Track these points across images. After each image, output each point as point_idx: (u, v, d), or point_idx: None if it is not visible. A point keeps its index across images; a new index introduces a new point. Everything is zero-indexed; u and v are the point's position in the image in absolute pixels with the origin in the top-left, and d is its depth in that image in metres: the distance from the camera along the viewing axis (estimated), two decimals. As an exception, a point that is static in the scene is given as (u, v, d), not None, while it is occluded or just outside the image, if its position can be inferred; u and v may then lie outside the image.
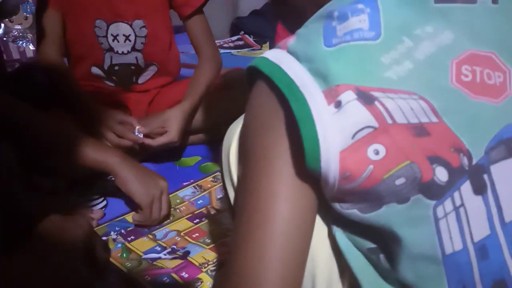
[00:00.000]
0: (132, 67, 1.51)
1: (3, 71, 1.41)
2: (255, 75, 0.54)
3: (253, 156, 0.54)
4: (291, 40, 0.53)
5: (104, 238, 1.12)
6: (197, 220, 1.21)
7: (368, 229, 0.54)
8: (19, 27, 2.20)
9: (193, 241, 1.12)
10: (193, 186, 1.35)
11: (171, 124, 1.39)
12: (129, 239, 1.13)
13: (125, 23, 1.46)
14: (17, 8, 2.18)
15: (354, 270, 0.56)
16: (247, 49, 2.40)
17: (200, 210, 1.25)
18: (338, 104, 0.49)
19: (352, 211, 0.53)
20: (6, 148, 0.90)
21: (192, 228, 1.18)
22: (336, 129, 0.49)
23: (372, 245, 0.55)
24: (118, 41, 1.47)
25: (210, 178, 1.39)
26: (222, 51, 2.36)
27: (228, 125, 1.56)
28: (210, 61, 1.55)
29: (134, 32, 1.47)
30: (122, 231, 1.16)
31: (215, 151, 1.55)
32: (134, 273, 1.01)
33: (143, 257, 1.07)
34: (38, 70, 1.56)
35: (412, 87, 0.50)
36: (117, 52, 1.48)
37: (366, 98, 0.49)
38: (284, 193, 0.52)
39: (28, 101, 1.42)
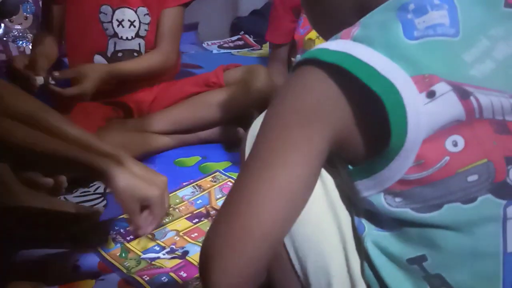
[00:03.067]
0: (135, 54, 1.52)
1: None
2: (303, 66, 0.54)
3: (284, 123, 0.53)
4: (355, 30, 0.53)
5: (103, 237, 1.13)
6: (196, 220, 1.21)
7: (415, 234, 0.53)
8: (19, 27, 2.20)
9: (192, 241, 1.12)
10: (193, 186, 1.35)
11: (87, 76, 1.37)
12: (128, 238, 1.13)
13: (131, 8, 1.48)
14: (17, 8, 2.18)
15: (391, 286, 0.55)
16: (247, 49, 2.40)
17: (199, 210, 1.25)
18: (432, 94, 0.49)
19: (404, 209, 0.53)
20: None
21: (191, 228, 1.18)
22: (426, 119, 0.49)
23: (415, 254, 0.54)
24: (123, 26, 1.48)
25: (209, 178, 1.38)
26: (222, 51, 2.37)
27: (226, 121, 1.56)
28: (162, 55, 1.52)
29: (139, 18, 1.49)
30: (121, 230, 1.16)
31: (215, 151, 1.54)
32: (133, 273, 1.01)
33: (142, 256, 1.07)
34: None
35: (498, 85, 0.51)
36: (121, 38, 1.49)
37: (461, 91, 0.49)
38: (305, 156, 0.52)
39: None
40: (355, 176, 0.55)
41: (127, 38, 1.50)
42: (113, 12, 1.47)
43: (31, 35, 2.17)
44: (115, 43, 1.50)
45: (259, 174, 0.51)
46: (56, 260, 1.06)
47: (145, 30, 1.51)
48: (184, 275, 1.01)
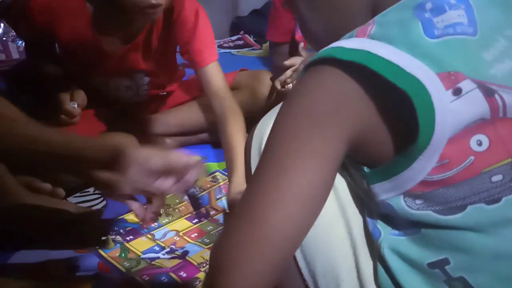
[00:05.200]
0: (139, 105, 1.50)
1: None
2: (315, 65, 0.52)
3: (298, 126, 0.50)
4: (371, 28, 0.52)
5: (103, 238, 1.13)
6: (196, 220, 1.21)
7: (436, 237, 0.52)
8: (19, 26, 2.20)
9: (192, 241, 1.13)
10: (193, 186, 1.35)
11: None
12: (127, 238, 1.13)
13: (125, 78, 1.41)
14: (17, 8, 2.18)
15: None
16: (247, 48, 2.39)
17: (199, 210, 1.25)
18: (458, 92, 0.48)
19: (426, 212, 0.51)
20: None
21: (191, 228, 1.18)
22: (452, 117, 0.48)
23: (436, 258, 0.53)
24: (119, 90, 1.43)
25: (209, 178, 1.39)
26: (222, 50, 2.36)
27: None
28: (235, 115, 1.33)
29: (136, 83, 1.42)
30: (121, 231, 1.16)
31: (215, 151, 1.54)
32: (132, 273, 1.01)
33: (141, 256, 1.07)
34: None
35: None
36: (120, 97, 1.44)
37: (486, 89, 0.49)
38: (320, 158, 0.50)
39: (26, 96, 1.42)
40: (372, 179, 0.53)
41: (125, 98, 1.45)
42: (107, 81, 1.41)
43: (30, 35, 2.16)
44: (115, 95, 1.45)
45: (275, 179, 0.49)
46: (55, 260, 1.05)
47: (145, 90, 1.45)
48: (184, 275, 1.01)
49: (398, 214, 0.53)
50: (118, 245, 1.11)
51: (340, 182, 0.60)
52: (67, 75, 1.43)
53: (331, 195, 0.58)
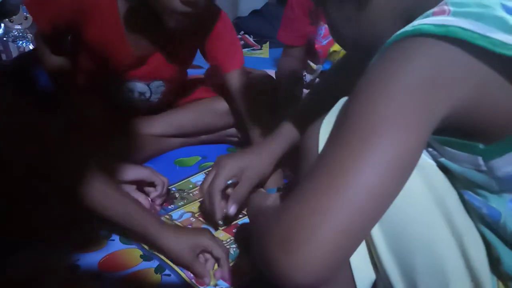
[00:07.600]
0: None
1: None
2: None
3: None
4: (448, 8, 0.51)
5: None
6: (209, 203, 1.24)
7: None
8: (19, 27, 2.22)
9: (207, 223, 1.16)
10: (204, 173, 1.39)
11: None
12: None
13: (143, 83, 1.41)
14: (17, 8, 2.19)
15: None
16: (247, 49, 2.40)
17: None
18: None
19: None
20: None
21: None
22: None
23: None
24: (133, 94, 1.42)
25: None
26: (222, 50, 2.38)
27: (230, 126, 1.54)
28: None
29: (150, 90, 1.43)
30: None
31: (215, 151, 1.55)
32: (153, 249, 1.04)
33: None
34: (35, 60, 1.51)
35: None
36: (131, 100, 1.44)
37: None
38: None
39: (27, 94, 1.39)
40: (491, 154, 0.51)
41: (136, 101, 1.45)
42: (122, 84, 1.40)
43: (31, 35, 2.18)
44: (126, 99, 1.45)
45: (366, 140, 0.46)
46: (55, 260, 1.04)
47: (157, 98, 1.45)
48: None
49: None
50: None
51: (432, 170, 0.59)
52: (78, 70, 1.42)
53: (423, 186, 0.57)
